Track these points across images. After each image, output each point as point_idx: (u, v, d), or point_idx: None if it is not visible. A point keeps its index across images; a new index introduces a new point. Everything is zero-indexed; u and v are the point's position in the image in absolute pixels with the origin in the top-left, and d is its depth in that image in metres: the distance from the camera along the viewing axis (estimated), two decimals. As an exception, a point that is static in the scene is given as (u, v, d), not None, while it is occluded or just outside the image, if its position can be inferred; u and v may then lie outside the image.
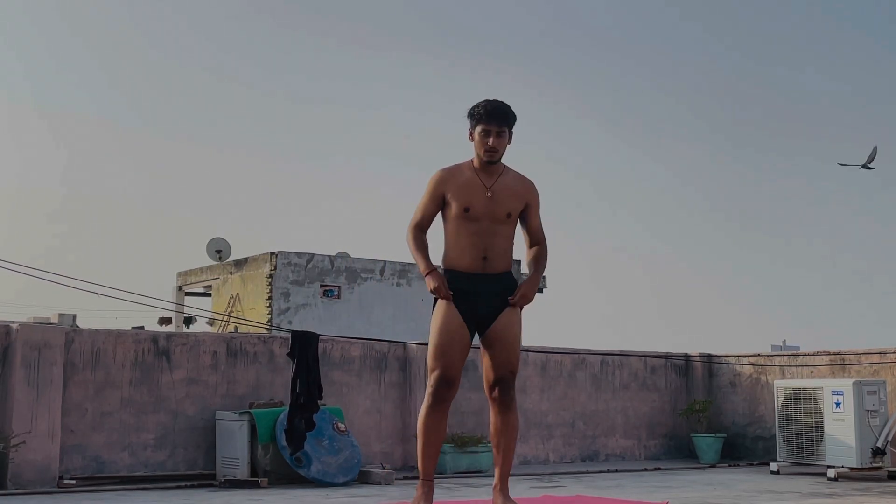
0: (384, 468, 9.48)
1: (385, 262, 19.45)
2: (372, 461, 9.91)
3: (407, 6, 35.08)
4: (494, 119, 4.78)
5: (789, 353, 12.95)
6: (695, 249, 38.53)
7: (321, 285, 18.76)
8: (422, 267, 4.79)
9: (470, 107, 4.85)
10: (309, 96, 36.93)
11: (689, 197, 37.16)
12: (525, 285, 4.87)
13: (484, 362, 4.86)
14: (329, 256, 19.10)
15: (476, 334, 4.84)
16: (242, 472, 8.78)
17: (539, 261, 4.97)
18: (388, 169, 38.55)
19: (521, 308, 4.85)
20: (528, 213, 4.91)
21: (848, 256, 36.43)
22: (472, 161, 4.88)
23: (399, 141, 37.02)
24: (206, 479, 8.98)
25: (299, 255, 18.69)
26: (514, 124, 4.86)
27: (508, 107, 4.84)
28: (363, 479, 9.03)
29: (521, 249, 5.14)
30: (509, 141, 4.85)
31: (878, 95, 33.34)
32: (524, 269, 5.20)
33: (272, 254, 18.52)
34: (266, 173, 38.32)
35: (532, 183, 4.94)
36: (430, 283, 4.74)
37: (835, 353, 11.33)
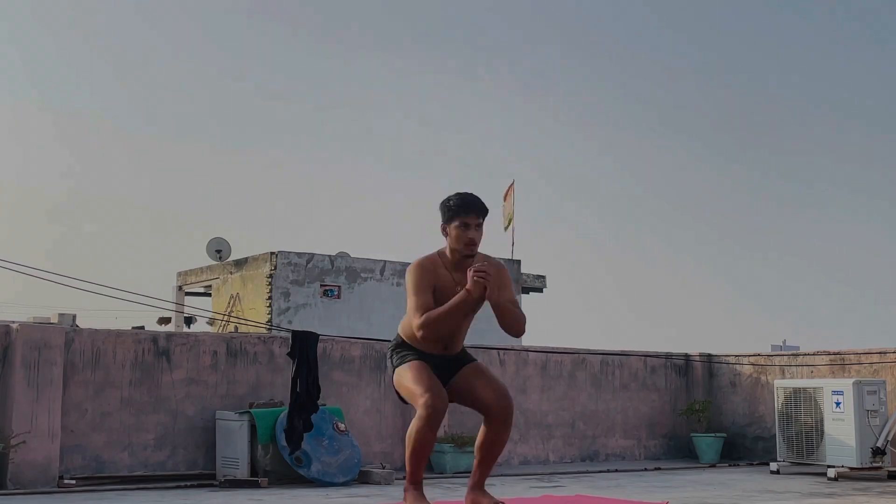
0: (384, 468, 9.48)
1: (385, 261, 19.43)
2: (372, 461, 9.91)
3: (409, 9, 35.09)
4: (474, 211, 4.70)
5: (789, 353, 12.96)
6: (695, 249, 38.54)
7: (321, 285, 18.74)
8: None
9: (443, 201, 4.76)
10: (309, 96, 36.96)
11: (689, 197, 37.17)
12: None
13: (477, 399, 4.81)
14: (329, 256, 19.09)
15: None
16: (242, 472, 8.78)
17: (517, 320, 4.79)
18: (388, 169, 38.58)
19: (482, 280, 4.62)
20: (500, 295, 4.74)
21: (848, 256, 36.44)
22: (443, 256, 4.79)
23: (399, 141, 37.03)
24: (206, 479, 8.98)
25: (299, 255, 18.67)
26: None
27: (480, 198, 4.77)
28: (363, 479, 9.04)
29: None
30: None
31: (870, 96, 33.36)
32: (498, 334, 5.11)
33: (272, 254, 18.50)
34: (266, 173, 38.33)
35: (502, 267, 4.84)
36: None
37: (835, 353, 11.33)
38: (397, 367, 4.84)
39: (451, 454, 9.82)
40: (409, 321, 4.80)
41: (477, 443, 4.93)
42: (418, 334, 4.68)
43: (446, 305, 4.64)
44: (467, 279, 4.63)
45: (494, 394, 4.79)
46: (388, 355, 5.01)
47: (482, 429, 4.89)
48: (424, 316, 4.62)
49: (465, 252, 4.73)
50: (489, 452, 4.88)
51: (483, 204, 4.77)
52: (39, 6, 35.76)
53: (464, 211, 4.70)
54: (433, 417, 4.60)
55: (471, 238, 4.70)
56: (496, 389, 4.80)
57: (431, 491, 7.75)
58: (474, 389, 4.82)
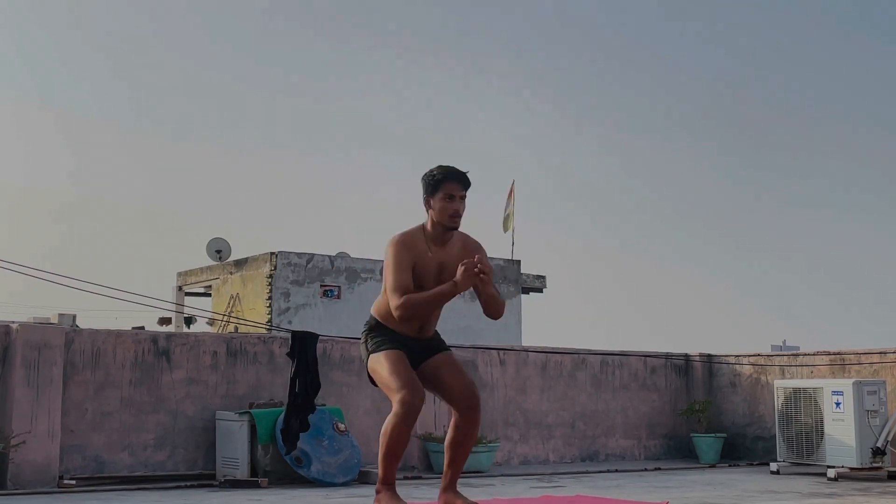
0: (384, 468, 9.47)
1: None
2: (372, 461, 9.89)
3: (410, 7, 35.09)
4: (459, 181, 4.69)
5: (789, 353, 12.95)
6: (695, 249, 38.56)
7: (321, 285, 18.75)
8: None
9: (426, 174, 4.74)
10: (309, 96, 36.96)
11: (689, 197, 37.18)
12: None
13: (446, 388, 4.83)
14: (329, 256, 19.09)
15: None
16: (242, 472, 8.78)
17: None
18: (387, 168, 38.58)
19: (482, 279, 4.59)
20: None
21: (848, 256, 36.45)
22: (423, 229, 4.78)
23: (399, 140, 37.04)
24: (206, 479, 8.98)
25: (299, 255, 18.68)
26: None
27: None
28: (363, 479, 9.03)
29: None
30: None
31: (870, 95, 33.37)
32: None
33: (272, 254, 18.51)
34: (266, 173, 38.34)
35: (479, 245, 4.85)
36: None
37: (835, 353, 11.32)
38: (372, 352, 4.80)
39: (451, 454, 9.80)
40: (384, 301, 4.74)
41: (446, 441, 4.89)
42: (395, 314, 4.61)
43: (430, 293, 4.60)
44: (457, 271, 4.56)
45: (463, 388, 4.78)
46: (363, 339, 4.91)
47: (451, 426, 4.87)
48: (404, 298, 4.58)
49: (449, 224, 4.70)
50: (459, 450, 4.86)
51: (467, 176, 4.74)
52: (38, 5, 35.77)
53: (449, 182, 4.68)
54: (409, 414, 4.59)
55: (455, 209, 4.68)
56: (465, 384, 4.79)
57: (430, 491, 7.74)
58: (444, 378, 4.81)
